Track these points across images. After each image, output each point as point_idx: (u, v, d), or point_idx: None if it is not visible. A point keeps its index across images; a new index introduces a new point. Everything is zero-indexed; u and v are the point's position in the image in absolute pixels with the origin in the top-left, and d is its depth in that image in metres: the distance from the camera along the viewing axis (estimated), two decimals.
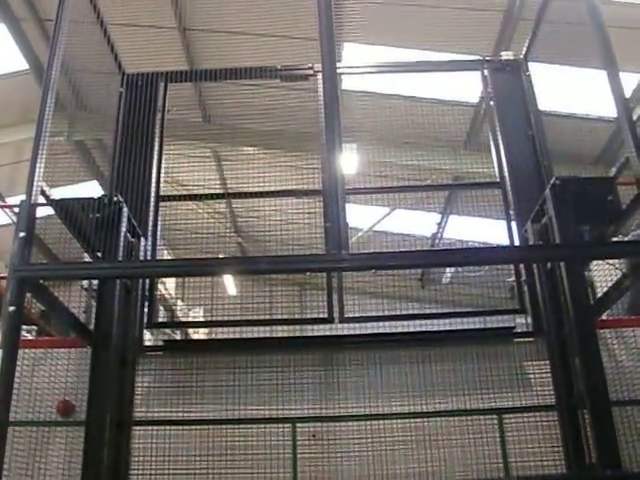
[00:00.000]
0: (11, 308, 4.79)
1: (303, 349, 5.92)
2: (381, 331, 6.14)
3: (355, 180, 7.07)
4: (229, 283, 8.16)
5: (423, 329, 5.97)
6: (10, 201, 14.67)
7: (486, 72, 6.77)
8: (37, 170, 5.15)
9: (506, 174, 6.28)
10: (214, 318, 6.52)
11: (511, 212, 6.16)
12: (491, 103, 6.67)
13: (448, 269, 8.67)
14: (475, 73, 6.92)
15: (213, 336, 7.27)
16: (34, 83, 11.89)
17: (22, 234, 4.96)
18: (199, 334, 7.72)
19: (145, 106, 6.70)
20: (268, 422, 5.61)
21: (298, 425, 5.64)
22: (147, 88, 6.82)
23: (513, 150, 6.30)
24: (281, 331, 6.41)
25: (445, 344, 5.81)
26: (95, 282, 6.94)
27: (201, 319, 7.32)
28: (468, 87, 8.08)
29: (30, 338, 7.19)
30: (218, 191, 8.25)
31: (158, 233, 6.18)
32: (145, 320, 5.86)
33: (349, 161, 5.69)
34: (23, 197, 7.24)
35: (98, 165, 12.15)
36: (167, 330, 6.88)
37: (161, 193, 6.43)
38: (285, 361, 5.83)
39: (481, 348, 5.75)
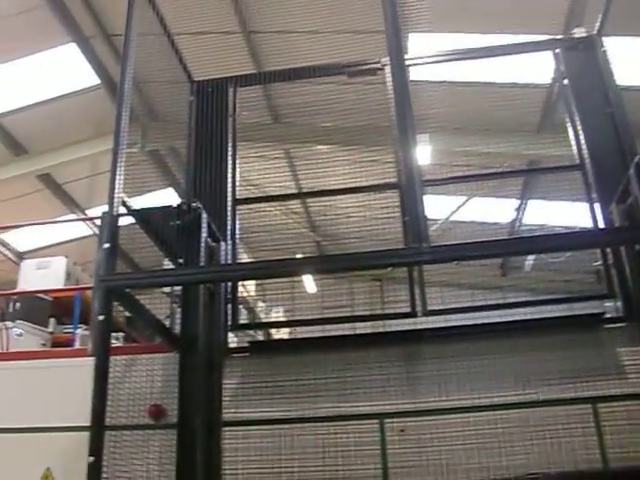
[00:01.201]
0: (100, 317, 4.90)
1: (387, 344, 5.89)
2: (464, 323, 6.05)
3: (429, 171, 7.00)
4: (309, 281, 8.18)
5: (507, 319, 5.86)
6: (89, 213, 15.06)
7: (558, 51, 6.60)
8: (117, 181, 5.27)
9: (586, 155, 6.11)
10: (295, 317, 6.55)
11: (593, 194, 5.98)
12: (565, 82, 6.50)
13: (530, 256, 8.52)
14: (546, 53, 6.76)
15: (295, 336, 7.30)
16: (106, 97, 12.20)
17: (106, 245, 5.07)
18: (281, 334, 7.78)
19: (216, 111, 6.78)
20: (355, 418, 5.60)
21: (386, 420, 5.62)
22: (216, 94, 6.90)
23: (592, 130, 6.11)
24: (363, 327, 6.39)
25: (532, 333, 5.68)
26: (177, 288, 7.08)
27: (282, 319, 7.37)
28: (539, 68, 7.88)
29: (118, 345, 7.38)
30: (292, 191, 8.29)
31: (237, 236, 6.24)
32: (229, 322, 5.93)
33: (423, 152, 5.63)
34: (102, 208, 7.46)
35: (173, 172, 12.38)
36: (250, 332, 6.93)
37: (237, 196, 6.48)
38: (369, 357, 5.81)
39: (569, 336, 5.61)
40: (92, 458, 4.63)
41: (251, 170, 7.25)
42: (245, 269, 5.41)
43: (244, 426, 5.61)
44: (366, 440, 5.55)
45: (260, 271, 5.03)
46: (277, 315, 7.12)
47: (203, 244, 5.34)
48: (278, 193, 7.31)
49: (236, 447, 5.56)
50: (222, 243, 5.84)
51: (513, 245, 5.36)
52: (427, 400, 5.62)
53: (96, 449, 4.67)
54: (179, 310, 6.81)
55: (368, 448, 5.53)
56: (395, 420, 5.59)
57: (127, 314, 8.37)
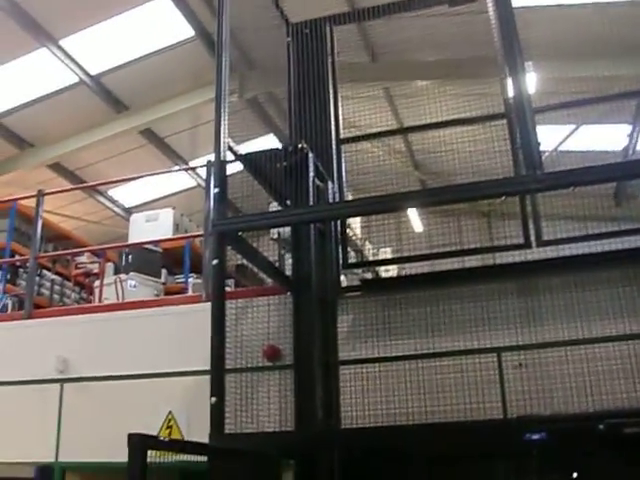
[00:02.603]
0: (215, 261, 4.98)
1: (500, 278, 5.78)
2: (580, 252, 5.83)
3: (537, 100, 6.73)
4: (415, 220, 8.11)
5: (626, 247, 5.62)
6: (193, 164, 15.30)
7: None
8: (222, 127, 5.29)
9: None
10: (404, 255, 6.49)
11: None
12: None
13: None
14: None
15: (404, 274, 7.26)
16: (201, 48, 12.29)
17: (216, 190, 5.13)
18: (390, 275, 7.74)
19: (314, 52, 6.70)
20: (472, 353, 5.54)
21: (503, 355, 5.55)
22: (313, 34, 6.81)
23: None
24: (474, 260, 6.27)
25: None
26: (284, 233, 7.14)
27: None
28: None
29: (231, 290, 7.52)
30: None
31: (343, 175, 6.21)
32: (340, 262, 5.94)
33: (529, 80, 5.42)
34: (205, 159, 7.57)
35: (272, 119, 12.43)
36: (359, 273, 6.92)
37: (341, 136, 6.43)
38: (482, 291, 5.72)
39: None
40: (214, 399, 4.77)
41: (352, 112, 7.16)
42: (354, 206, 5.37)
43: (360, 364, 5.65)
44: (483, 375, 5.50)
45: (369, 207, 4.98)
46: (385, 255, 7.07)
47: (311, 184, 5.33)
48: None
49: (353, 385, 5.61)
50: (329, 183, 5.83)
51: (632, 167, 5.12)
52: (545, 333, 5.50)
53: (217, 390, 4.80)
54: (287, 255, 6.90)
55: (485, 383, 5.48)
56: (512, 354, 5.51)
57: (236, 262, 8.51)
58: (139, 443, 3.47)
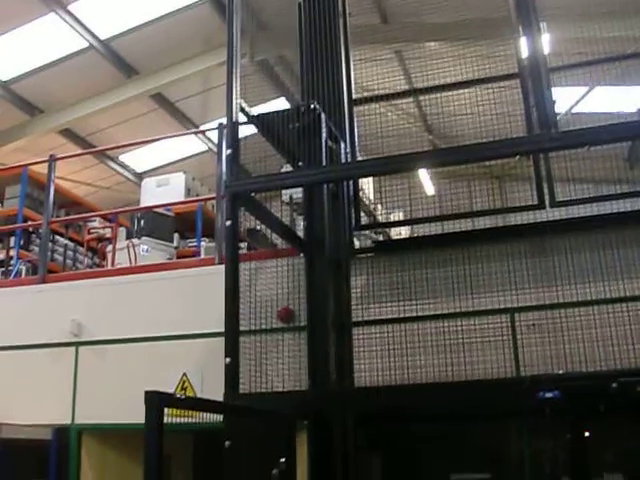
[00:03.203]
0: (228, 222, 4.99)
1: (512, 239, 5.77)
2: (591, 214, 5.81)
3: (550, 61, 6.65)
4: (426, 184, 8.07)
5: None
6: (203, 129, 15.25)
7: None
8: (234, 90, 5.27)
9: None
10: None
11: None
12: None
13: None
14: None
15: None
16: (212, 11, 12.19)
17: (229, 151, 5.12)
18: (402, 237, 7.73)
19: (325, 12, 6.62)
20: (485, 314, 5.56)
21: (516, 315, 5.56)
22: None
23: None
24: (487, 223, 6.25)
25: None
26: (296, 196, 7.12)
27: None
28: None
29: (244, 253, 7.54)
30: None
31: (356, 137, 6.18)
32: (353, 224, 5.94)
33: (542, 40, 5.36)
34: (216, 123, 7.53)
35: (283, 82, 12.36)
36: (372, 235, 6.92)
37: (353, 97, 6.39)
38: (494, 252, 5.72)
39: None
40: (228, 359, 4.80)
41: (363, 74, 7.10)
42: (367, 166, 5.33)
43: (373, 325, 5.67)
44: (497, 336, 5.51)
45: (383, 167, 4.96)
46: (397, 218, 7.05)
47: (323, 145, 5.30)
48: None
49: (366, 346, 5.64)
50: (341, 144, 5.80)
51: None
52: (557, 293, 5.49)
53: (232, 350, 4.83)
54: (299, 219, 6.89)
55: (499, 344, 5.49)
56: (525, 315, 5.52)
57: (247, 227, 8.52)
58: (156, 400, 3.49)
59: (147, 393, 3.50)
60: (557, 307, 5.43)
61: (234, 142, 5.13)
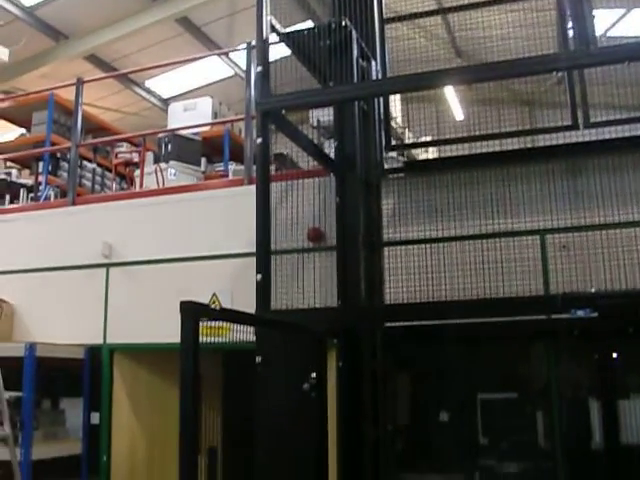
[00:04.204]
0: (259, 140, 4.97)
1: (543, 159, 5.68)
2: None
3: None
4: (455, 109, 7.98)
5: None
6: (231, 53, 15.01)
7: None
8: (264, 6, 5.17)
9: None
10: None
11: None
12: None
13: None
14: None
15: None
16: None
17: (259, 68, 5.06)
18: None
19: None
20: (516, 235, 5.53)
21: (547, 236, 5.53)
22: None
23: None
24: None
25: None
26: (323, 119, 7.04)
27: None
28: None
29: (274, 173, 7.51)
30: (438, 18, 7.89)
31: (387, 55, 6.08)
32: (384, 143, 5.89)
33: None
34: (244, 44, 7.42)
35: (313, 7, 12.07)
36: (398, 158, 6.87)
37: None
38: (528, 172, 5.65)
39: None
40: (260, 276, 4.83)
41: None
42: (399, 82, 5.23)
43: (403, 245, 5.67)
44: (527, 256, 5.49)
45: (414, 82, 4.85)
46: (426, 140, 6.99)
47: (355, 63, 5.23)
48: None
49: (396, 266, 5.65)
50: (372, 63, 5.71)
51: None
52: (589, 215, 5.45)
53: (263, 267, 4.86)
54: (326, 142, 6.84)
55: (531, 265, 5.48)
56: (557, 236, 5.49)
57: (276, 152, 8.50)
58: (191, 310, 3.53)
59: (183, 303, 3.54)
60: (589, 229, 5.39)
61: (264, 60, 5.07)
